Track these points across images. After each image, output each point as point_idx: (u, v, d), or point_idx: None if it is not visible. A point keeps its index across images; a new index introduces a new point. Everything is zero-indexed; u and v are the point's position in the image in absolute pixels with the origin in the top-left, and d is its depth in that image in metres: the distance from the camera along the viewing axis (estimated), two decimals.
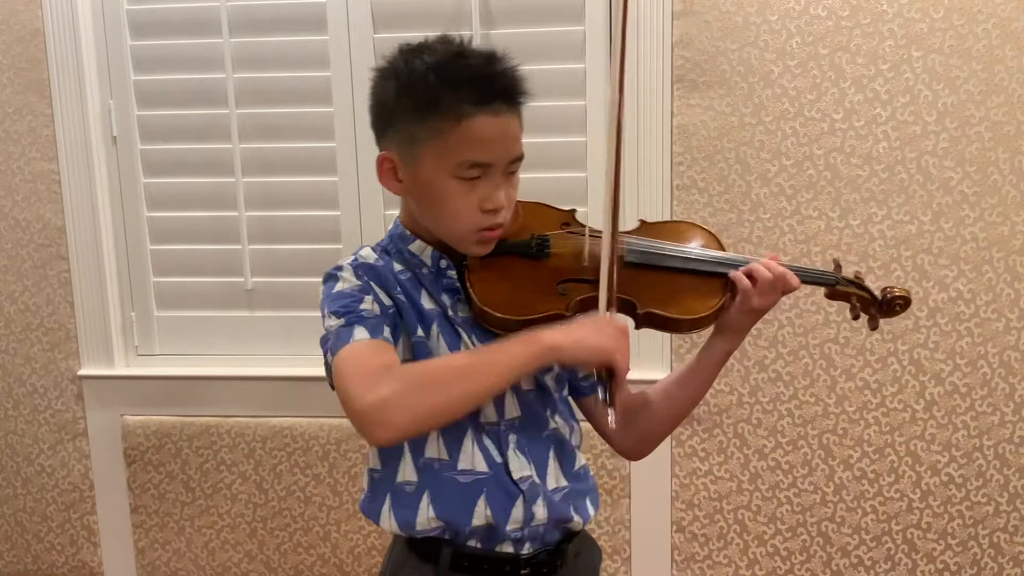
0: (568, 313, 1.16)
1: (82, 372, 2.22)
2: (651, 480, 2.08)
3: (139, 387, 2.21)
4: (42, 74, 2.12)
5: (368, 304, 1.12)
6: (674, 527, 2.10)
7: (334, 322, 1.11)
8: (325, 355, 1.13)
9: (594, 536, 2.14)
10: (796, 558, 2.09)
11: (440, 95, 1.10)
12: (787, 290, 1.21)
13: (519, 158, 1.17)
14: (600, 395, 1.12)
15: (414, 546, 1.21)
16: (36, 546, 2.33)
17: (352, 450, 2.15)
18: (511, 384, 1.11)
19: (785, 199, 1.96)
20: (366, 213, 2.10)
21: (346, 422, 1.31)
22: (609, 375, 1.10)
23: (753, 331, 1.98)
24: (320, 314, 1.16)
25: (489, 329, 1.17)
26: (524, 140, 2.07)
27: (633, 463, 2.06)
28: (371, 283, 1.15)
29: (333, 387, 1.11)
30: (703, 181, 1.98)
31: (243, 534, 2.23)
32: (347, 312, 1.11)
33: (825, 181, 1.95)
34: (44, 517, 2.31)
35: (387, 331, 1.11)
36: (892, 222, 1.95)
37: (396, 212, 2.15)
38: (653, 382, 1.34)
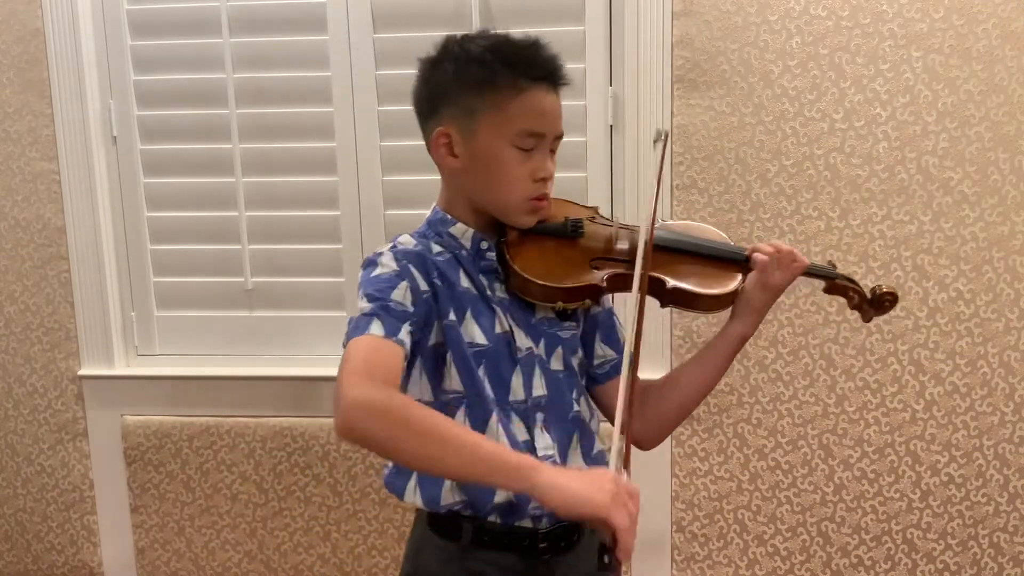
0: (603, 284, 1.25)
1: (82, 372, 2.22)
2: (651, 480, 2.08)
3: (139, 387, 2.21)
4: (42, 74, 2.12)
5: (400, 292, 1.15)
6: (674, 527, 2.10)
7: (363, 305, 1.14)
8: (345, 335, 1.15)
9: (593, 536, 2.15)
10: (796, 558, 2.09)
11: (498, 71, 1.19)
12: (796, 270, 1.29)
13: (561, 136, 1.26)
14: (601, 560, 0.99)
15: (435, 524, 1.25)
16: (36, 546, 2.33)
17: (352, 450, 2.15)
18: (472, 480, 1.06)
19: (785, 199, 1.96)
20: (366, 213, 2.10)
21: None
22: (612, 539, 0.99)
23: None
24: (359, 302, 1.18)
25: (528, 301, 1.25)
26: None
27: (632, 463, 2.06)
28: (410, 267, 1.18)
29: None
30: (703, 181, 1.98)
31: (243, 534, 2.23)
32: (377, 298, 1.14)
33: (825, 181, 1.95)
34: (44, 517, 2.31)
35: (405, 331, 1.12)
36: (892, 222, 1.95)
37: (396, 212, 2.16)
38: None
